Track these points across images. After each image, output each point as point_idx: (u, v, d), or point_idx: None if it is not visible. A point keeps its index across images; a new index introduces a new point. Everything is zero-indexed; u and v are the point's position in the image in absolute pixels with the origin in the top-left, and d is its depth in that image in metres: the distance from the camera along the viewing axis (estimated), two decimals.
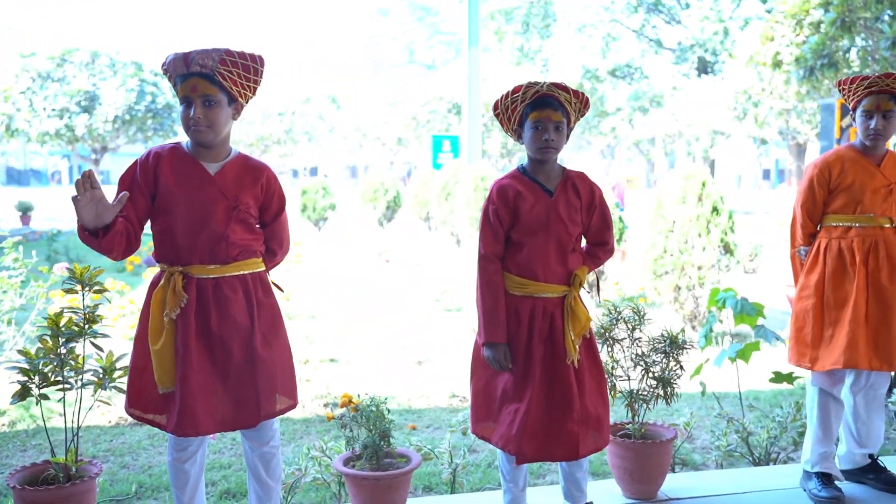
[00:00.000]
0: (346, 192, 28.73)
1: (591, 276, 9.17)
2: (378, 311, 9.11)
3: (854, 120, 3.56)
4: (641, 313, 3.54)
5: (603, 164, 35.41)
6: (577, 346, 2.98)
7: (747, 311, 4.68)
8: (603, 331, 3.48)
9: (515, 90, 3.01)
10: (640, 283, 8.23)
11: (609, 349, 3.49)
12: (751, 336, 6.76)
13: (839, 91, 3.57)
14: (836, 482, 3.62)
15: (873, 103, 3.44)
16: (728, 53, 26.64)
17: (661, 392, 3.46)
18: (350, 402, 3.42)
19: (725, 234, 7.34)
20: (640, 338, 3.52)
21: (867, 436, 3.68)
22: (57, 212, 24.48)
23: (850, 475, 3.76)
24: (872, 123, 3.44)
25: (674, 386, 3.47)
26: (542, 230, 2.99)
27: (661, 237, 7.49)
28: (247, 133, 26.45)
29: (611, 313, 3.51)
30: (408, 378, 6.32)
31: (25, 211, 20.49)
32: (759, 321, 4.88)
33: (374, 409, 3.33)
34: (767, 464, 4.33)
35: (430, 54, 58.74)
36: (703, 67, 30.57)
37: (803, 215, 3.61)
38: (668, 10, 30.28)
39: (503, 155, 28.83)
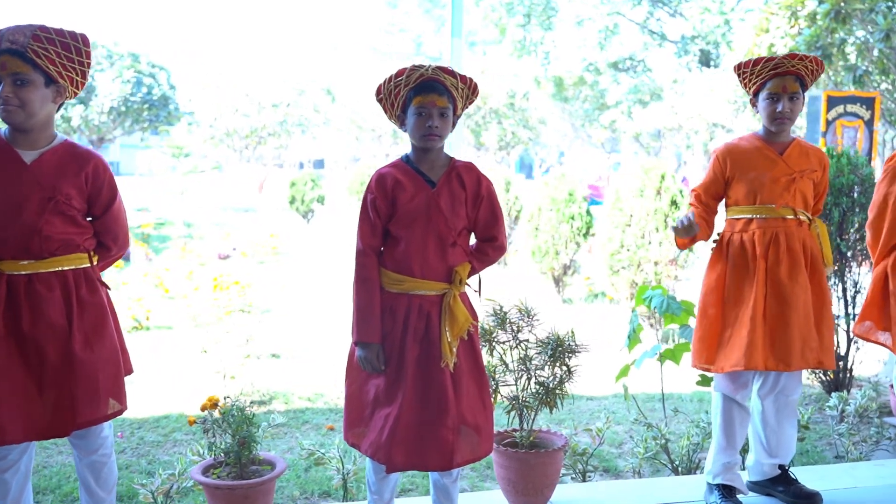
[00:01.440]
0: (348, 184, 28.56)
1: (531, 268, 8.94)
2: (338, 304, 8.92)
3: (756, 106, 3.34)
4: (531, 314, 3.31)
5: (605, 157, 35.16)
6: (455, 349, 2.78)
7: (674, 309, 4.45)
8: (484, 332, 3.25)
9: (399, 73, 2.83)
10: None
11: (490, 352, 3.27)
12: None
13: (738, 76, 3.34)
14: (740, 495, 3.40)
15: (779, 85, 3.22)
16: (727, 45, 26.27)
17: (546, 399, 3.23)
18: (215, 404, 3.21)
19: None
20: (527, 340, 3.29)
21: (777, 445, 3.45)
22: None
23: (759, 487, 3.54)
24: (779, 107, 3.23)
25: (558, 392, 3.25)
26: (420, 223, 2.81)
27: (619, 231, 7.26)
28: (242, 125, 26.32)
29: (496, 314, 3.28)
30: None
31: None
32: (690, 321, 4.65)
33: (236, 412, 3.14)
34: (689, 472, 4.12)
35: (438, 47, 58.51)
36: (706, 60, 30.15)
37: (702, 193, 3.40)
38: (670, 2, 29.86)
39: (501, 147, 28.56)
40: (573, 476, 4.00)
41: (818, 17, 16.04)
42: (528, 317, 3.29)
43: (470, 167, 2.94)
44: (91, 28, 24.22)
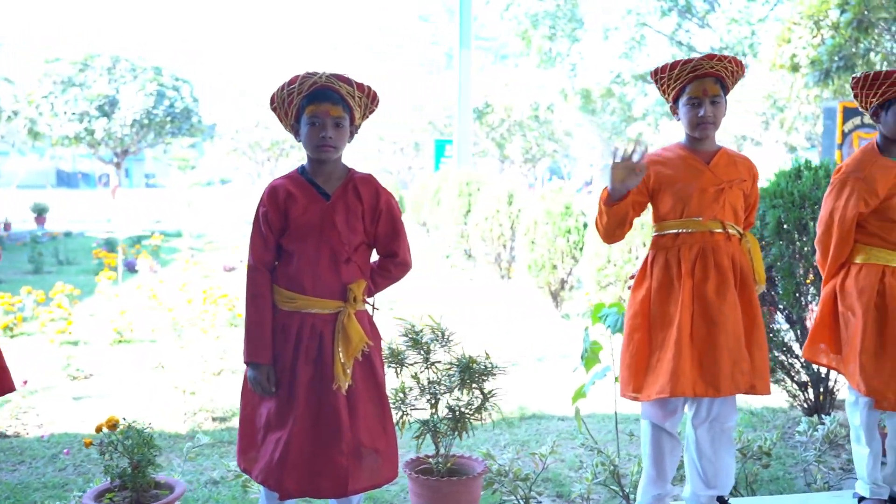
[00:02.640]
0: None
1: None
2: None
3: (676, 113, 3.15)
4: (445, 334, 3.15)
5: None
6: (349, 371, 2.65)
7: None
8: (392, 353, 3.10)
9: (292, 81, 2.71)
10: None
11: (397, 374, 3.11)
12: None
13: (655, 82, 3.15)
14: None
15: (699, 88, 3.03)
16: (754, 56, 25.85)
17: (455, 425, 3.06)
18: (114, 425, 3.09)
19: None
20: (439, 362, 3.12)
21: (715, 475, 3.23)
22: (88, 213, 24.56)
23: None
24: (701, 111, 3.04)
25: (468, 418, 3.07)
26: (313, 237, 2.70)
27: (604, 246, 7.04)
28: (262, 137, 26.48)
29: (407, 334, 3.12)
30: None
31: (40, 213, 20.67)
32: None
33: (133, 434, 3.01)
34: None
35: (469, 58, 58.56)
36: None
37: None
38: (697, 13, 29.50)
39: (527, 160, 28.32)
40: (515, 502, 3.82)
41: (841, 26, 15.70)
42: (443, 337, 3.12)
43: (368, 179, 2.81)
44: (115, 41, 24.67)
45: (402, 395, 3.09)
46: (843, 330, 3.32)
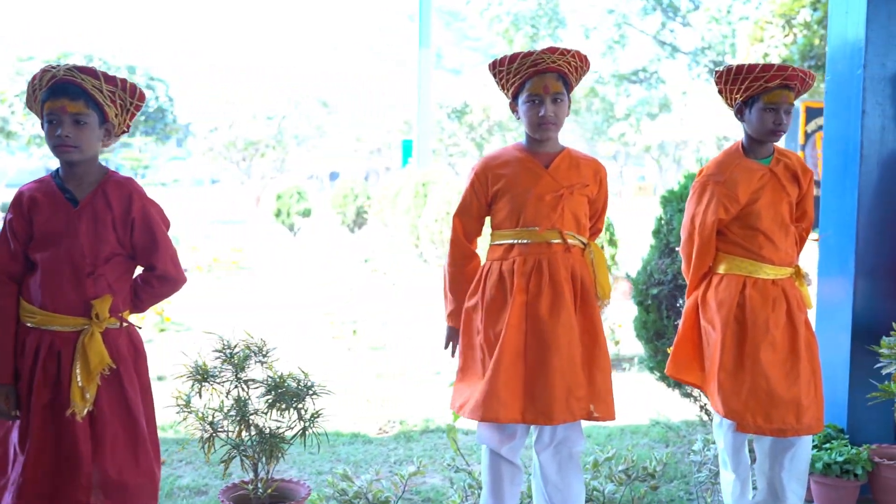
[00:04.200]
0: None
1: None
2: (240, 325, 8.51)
3: (516, 111, 2.89)
4: (262, 349, 2.89)
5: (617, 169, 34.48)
6: (88, 395, 2.40)
7: None
8: (197, 369, 2.84)
9: (35, 75, 2.46)
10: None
11: (199, 393, 2.85)
12: None
13: (493, 75, 2.88)
14: None
15: (539, 85, 2.76)
16: (732, 56, 25.61)
17: (264, 448, 2.80)
18: None
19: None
20: (253, 380, 2.86)
21: (563, 503, 2.98)
22: None
23: None
24: (542, 111, 2.77)
25: (280, 441, 2.81)
26: (56, 247, 2.46)
27: None
28: (237, 137, 26.19)
29: (222, 350, 2.86)
30: None
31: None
32: None
33: None
34: None
35: (458, 59, 58.46)
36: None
37: (460, 231, 2.95)
38: (679, 12, 29.24)
39: None
40: None
41: (812, 25, 15.50)
42: (260, 352, 2.86)
43: (123, 184, 2.55)
44: (90, 40, 24.39)
45: (206, 413, 2.83)
46: (705, 346, 3.07)
